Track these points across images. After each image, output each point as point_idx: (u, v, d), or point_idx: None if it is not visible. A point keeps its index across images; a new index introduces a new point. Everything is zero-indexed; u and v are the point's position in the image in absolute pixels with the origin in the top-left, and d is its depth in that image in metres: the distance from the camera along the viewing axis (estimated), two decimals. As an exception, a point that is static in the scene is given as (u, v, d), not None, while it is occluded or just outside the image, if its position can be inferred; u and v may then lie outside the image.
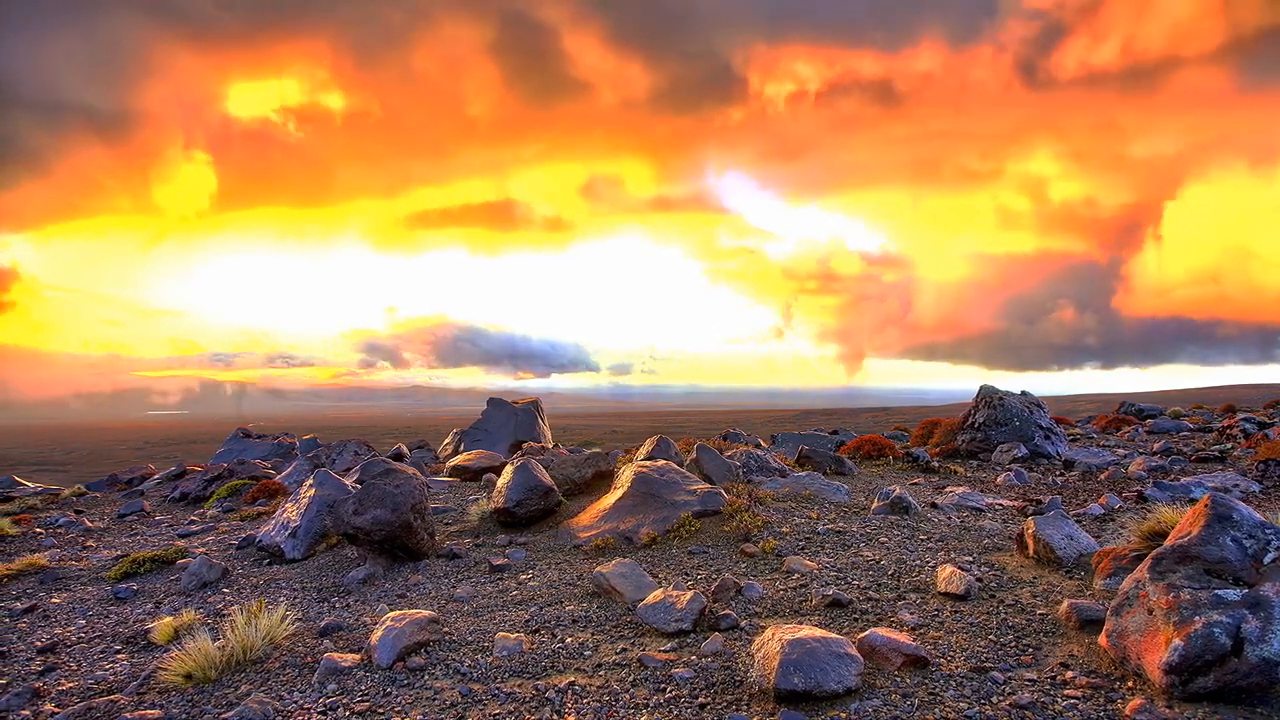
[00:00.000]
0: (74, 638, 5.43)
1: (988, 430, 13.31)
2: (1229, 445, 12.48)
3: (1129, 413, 20.87)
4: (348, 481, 8.40)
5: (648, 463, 7.96)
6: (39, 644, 5.28)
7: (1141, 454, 11.85)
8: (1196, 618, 3.23)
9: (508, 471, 7.98)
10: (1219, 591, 3.32)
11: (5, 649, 5.22)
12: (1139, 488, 8.46)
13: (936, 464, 10.99)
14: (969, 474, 10.64)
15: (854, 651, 3.67)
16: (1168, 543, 3.74)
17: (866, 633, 3.94)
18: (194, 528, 9.59)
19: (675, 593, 4.77)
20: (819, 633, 3.76)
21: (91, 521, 10.58)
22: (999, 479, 9.71)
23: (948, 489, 8.77)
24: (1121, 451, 12.46)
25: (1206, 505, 3.70)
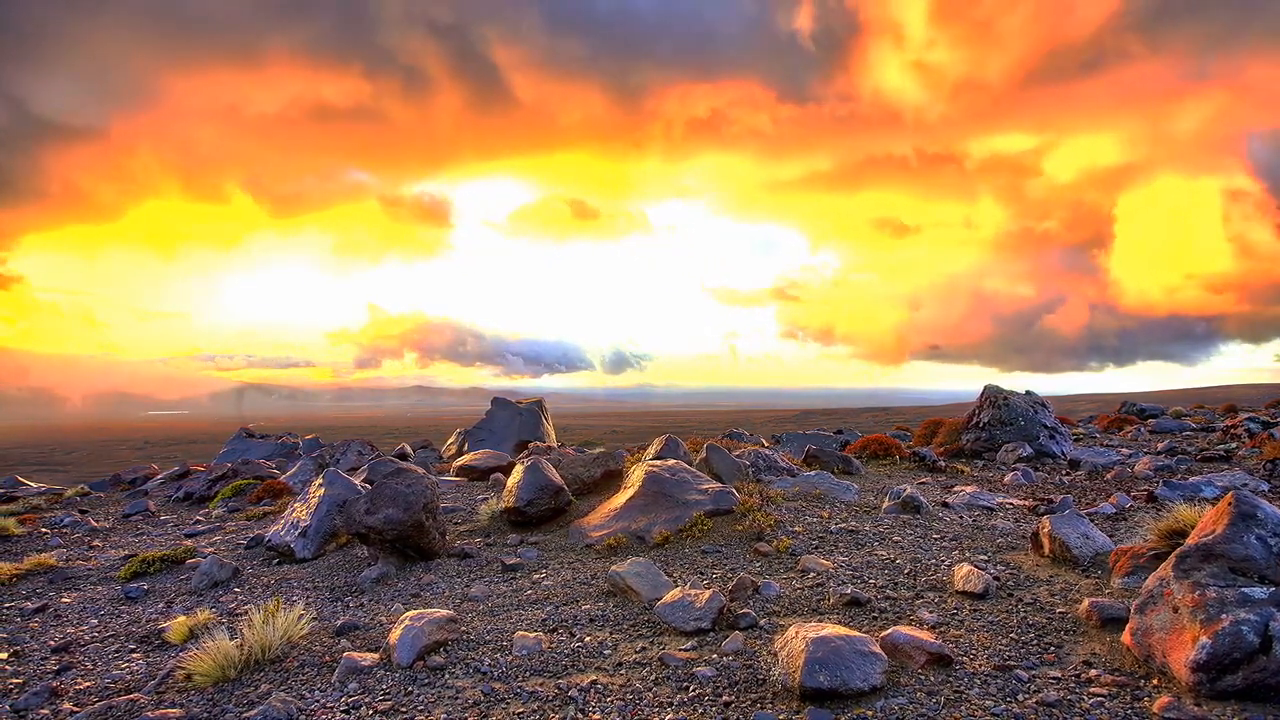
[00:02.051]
0: (87, 637, 5.41)
1: (992, 430, 13.32)
2: (1234, 445, 12.49)
3: (1130, 412, 20.91)
4: (357, 481, 8.39)
5: (658, 462, 7.96)
6: (52, 643, 5.26)
7: (1146, 453, 11.86)
8: (1224, 616, 3.23)
9: (518, 471, 7.97)
10: (1245, 590, 3.32)
11: (19, 648, 5.20)
12: (1148, 487, 8.46)
13: (943, 463, 11.00)
14: (975, 473, 10.64)
15: (878, 650, 3.67)
16: (1190, 541, 3.74)
17: (889, 631, 3.94)
18: (200, 527, 9.58)
19: (693, 591, 4.76)
20: (842, 631, 3.75)
21: (97, 521, 10.55)
22: (1006, 478, 9.72)
23: (956, 488, 8.77)
24: (1126, 451, 12.47)
25: (1230, 503, 3.71)
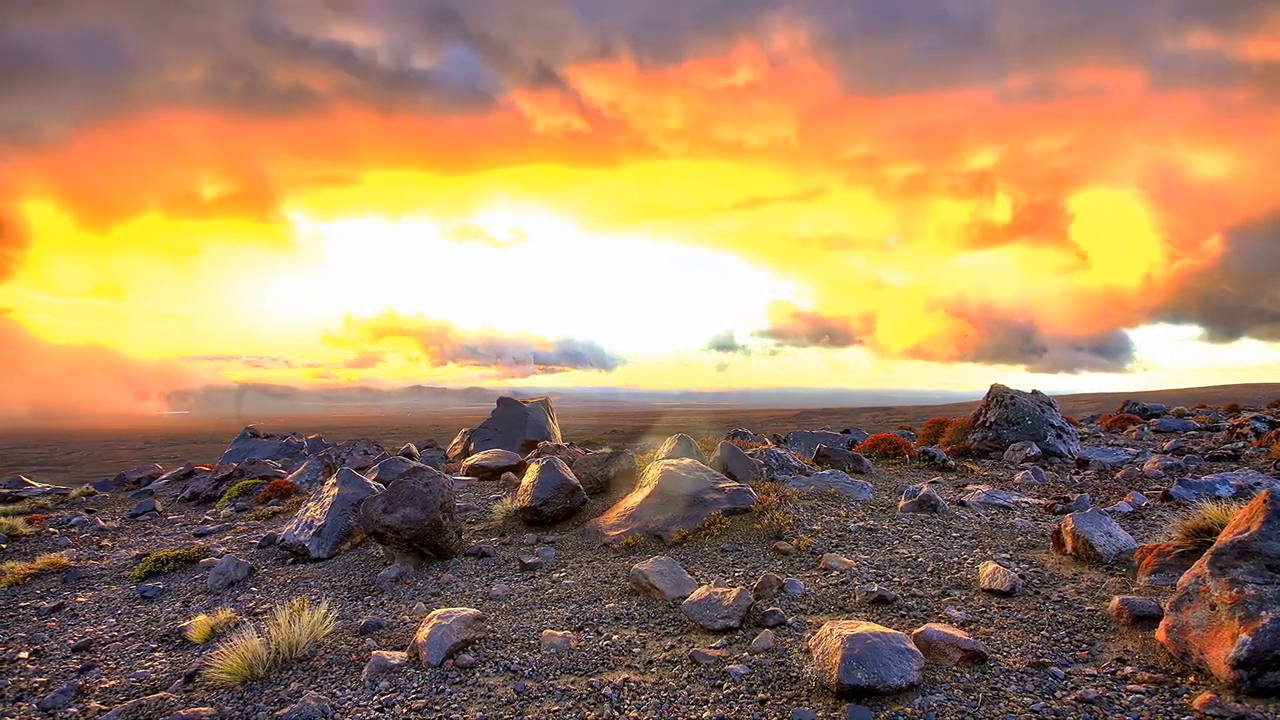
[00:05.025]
0: (107, 636, 5.38)
1: (999, 429, 13.34)
2: (1240, 444, 12.52)
3: (1133, 412, 20.95)
4: (369, 480, 8.36)
5: (672, 461, 7.94)
6: (72, 642, 5.24)
7: (1154, 453, 11.88)
8: (1263, 613, 3.23)
9: (533, 470, 7.95)
10: (1284, 586, 3.32)
11: (39, 646, 5.17)
12: (1160, 485, 8.47)
13: (953, 463, 11.00)
14: (984, 472, 10.65)
15: (913, 647, 3.66)
16: (1224, 538, 3.74)
17: (923, 628, 3.93)
18: (209, 527, 9.54)
19: (719, 590, 4.75)
20: (877, 628, 3.74)
21: (104, 521, 10.51)
22: (1017, 477, 9.72)
23: (969, 487, 8.77)
24: (1133, 450, 12.49)
25: (1265, 501, 3.70)
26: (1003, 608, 4.53)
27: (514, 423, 16.69)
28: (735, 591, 4.66)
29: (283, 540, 7.60)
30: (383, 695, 3.81)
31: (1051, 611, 4.42)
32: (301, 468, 13.39)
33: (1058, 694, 3.40)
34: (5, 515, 10.38)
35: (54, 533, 9.66)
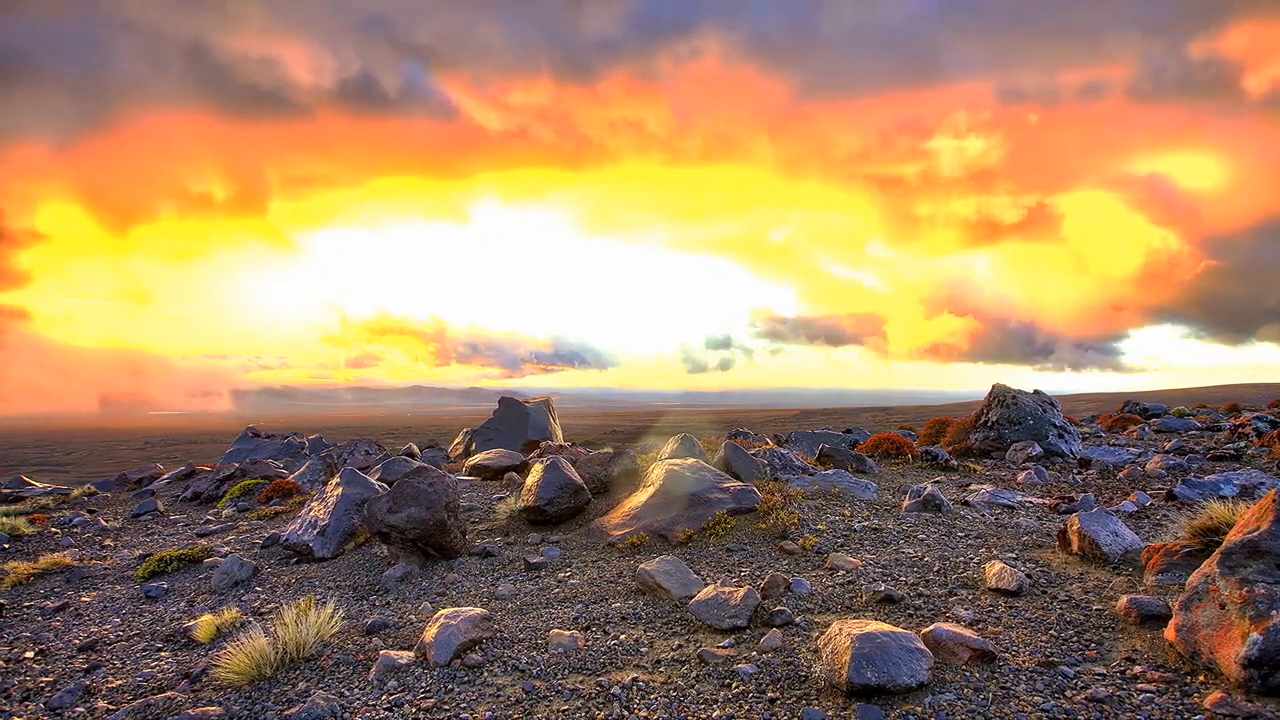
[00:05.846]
0: (112, 636, 5.38)
1: (1001, 429, 13.34)
2: (1242, 444, 12.53)
3: (1134, 412, 20.96)
4: (373, 480, 8.36)
5: (676, 461, 7.94)
6: (77, 642, 5.24)
7: (1156, 452, 11.89)
8: (1274, 612, 3.23)
9: (537, 470, 7.95)
10: (1294, 585, 3.31)
11: (44, 646, 5.17)
12: (1164, 485, 8.47)
13: (955, 462, 11.00)
14: (987, 472, 10.64)
15: (922, 646, 3.66)
16: (1234, 537, 3.73)
17: (932, 627, 3.92)
18: (212, 527, 9.54)
19: (726, 589, 4.75)
20: (886, 627, 3.74)
21: (106, 521, 10.51)
22: (1019, 477, 9.72)
23: (972, 486, 8.77)
24: (1135, 450, 12.49)
25: (1274, 500, 3.70)
26: (1010, 607, 4.52)
27: (516, 423, 16.68)
28: (742, 591, 4.66)
29: (286, 540, 7.59)
30: (391, 695, 3.81)
31: (1059, 611, 4.41)
32: (303, 468, 13.39)
33: (1068, 693, 3.40)
34: (7, 515, 10.38)
35: (56, 533, 9.66)
